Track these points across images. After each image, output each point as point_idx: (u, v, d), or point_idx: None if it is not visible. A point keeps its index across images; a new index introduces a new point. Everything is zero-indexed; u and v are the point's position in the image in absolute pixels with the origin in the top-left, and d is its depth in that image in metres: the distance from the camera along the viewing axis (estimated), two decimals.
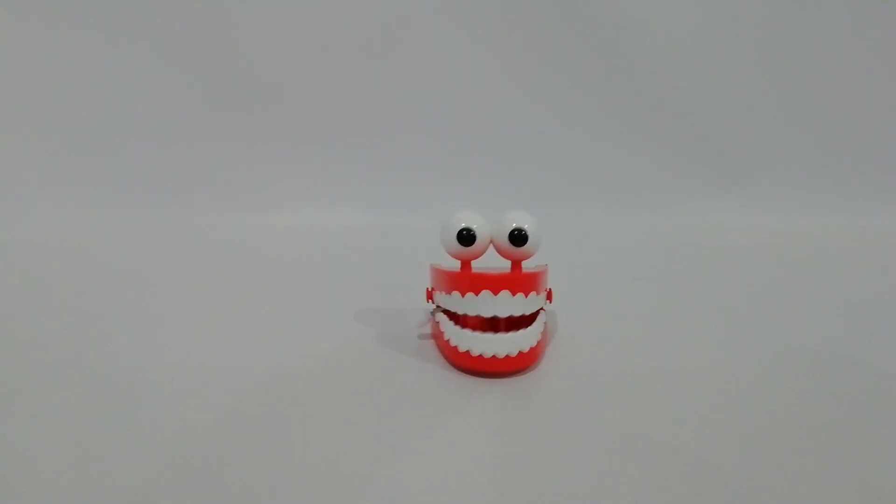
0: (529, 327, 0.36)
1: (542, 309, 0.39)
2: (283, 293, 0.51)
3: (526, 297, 0.35)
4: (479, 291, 0.35)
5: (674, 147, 0.91)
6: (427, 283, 0.42)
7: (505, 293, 0.35)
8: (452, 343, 0.36)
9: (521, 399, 0.33)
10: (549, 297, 0.41)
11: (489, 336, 0.35)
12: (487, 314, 0.35)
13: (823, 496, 0.24)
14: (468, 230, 0.37)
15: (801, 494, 0.24)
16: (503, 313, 0.35)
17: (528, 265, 0.40)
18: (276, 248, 0.69)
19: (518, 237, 0.36)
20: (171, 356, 0.38)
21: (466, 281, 0.35)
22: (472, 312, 0.36)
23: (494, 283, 0.35)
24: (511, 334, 0.35)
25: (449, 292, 0.36)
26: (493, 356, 0.35)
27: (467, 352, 0.36)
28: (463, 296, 0.35)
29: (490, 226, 0.38)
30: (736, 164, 0.91)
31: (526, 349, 0.35)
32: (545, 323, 0.39)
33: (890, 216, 0.85)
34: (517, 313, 0.35)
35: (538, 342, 0.37)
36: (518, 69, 0.89)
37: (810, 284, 0.57)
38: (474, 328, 0.36)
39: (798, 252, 0.69)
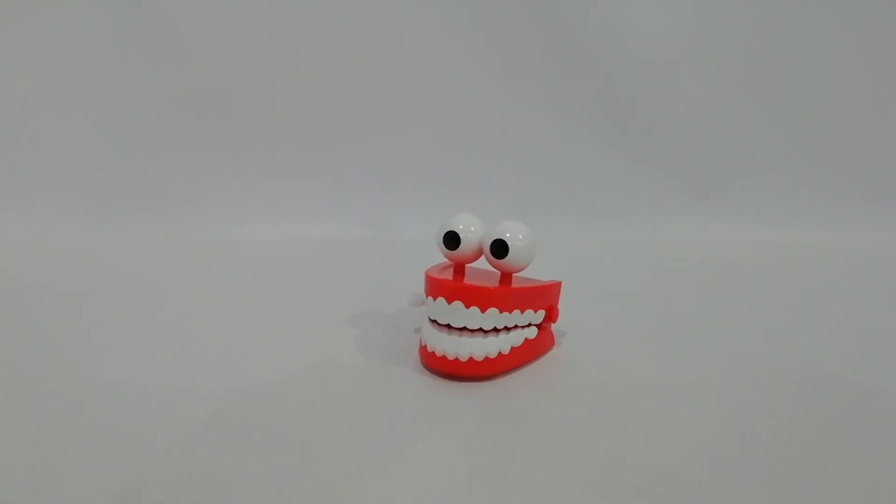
0: (487, 336, 0.34)
1: (530, 325, 0.37)
2: (259, 307, 0.49)
3: (483, 311, 0.33)
4: (437, 297, 0.34)
5: (646, 158, 0.87)
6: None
7: (457, 304, 0.34)
8: (421, 338, 0.37)
9: (494, 412, 0.33)
10: (550, 315, 0.38)
11: (443, 335, 0.35)
12: (441, 321, 0.35)
13: None
14: (453, 233, 0.36)
15: None
16: (456, 323, 0.34)
17: (520, 277, 0.38)
18: (254, 261, 0.65)
19: (498, 248, 0.35)
20: (146, 371, 0.36)
21: (430, 285, 0.35)
22: (431, 316, 0.35)
23: (450, 292, 0.34)
24: (462, 338, 0.34)
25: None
26: (443, 356, 0.35)
27: (424, 347, 0.36)
28: (434, 300, 0.35)
29: (483, 232, 0.36)
30: (709, 176, 0.88)
31: (479, 356, 0.34)
32: (528, 339, 0.37)
33: (868, 229, 0.83)
34: (471, 326, 0.34)
35: (500, 354, 0.35)
36: (492, 81, 0.85)
37: (788, 298, 0.56)
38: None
39: (775, 265, 0.69)
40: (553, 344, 0.41)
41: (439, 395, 0.34)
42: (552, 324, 0.40)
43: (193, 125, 0.79)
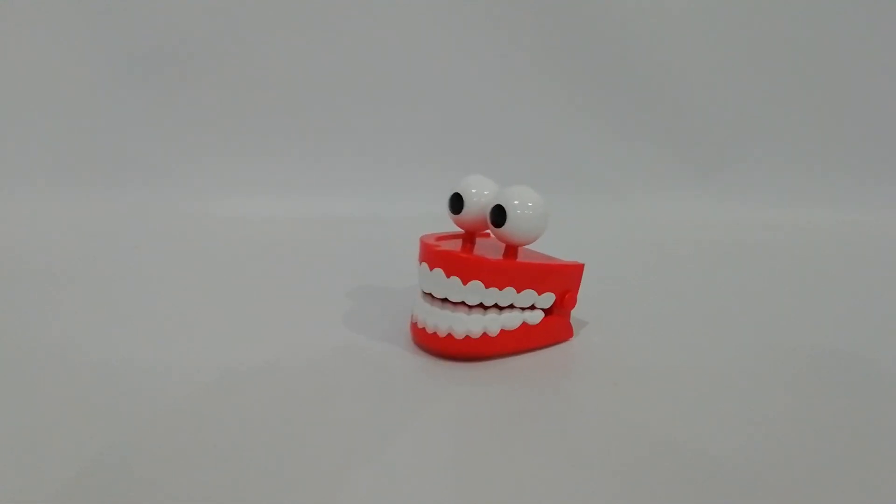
0: (472, 312, 0.31)
1: (535, 308, 0.33)
2: (245, 285, 0.45)
3: (464, 283, 0.30)
4: (421, 263, 0.31)
5: (648, 135, 0.80)
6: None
7: (438, 272, 0.30)
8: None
9: (482, 395, 0.30)
10: (563, 301, 0.33)
11: (426, 305, 0.32)
12: (424, 289, 0.32)
13: (824, 492, 0.24)
14: (458, 195, 0.33)
15: (801, 491, 0.24)
16: (437, 293, 0.31)
17: (534, 254, 0.34)
18: (238, 238, 0.59)
19: (497, 214, 0.31)
20: (127, 351, 0.33)
21: (422, 250, 0.32)
22: (419, 285, 0.32)
23: (433, 258, 0.31)
24: (445, 310, 0.31)
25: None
26: (423, 328, 0.32)
27: (414, 323, 0.33)
28: (419, 265, 0.32)
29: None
30: (714, 153, 0.82)
31: (460, 333, 0.31)
32: (527, 324, 0.32)
33: (875, 208, 0.79)
34: (452, 298, 0.30)
35: (485, 335, 0.31)
36: (486, 52, 0.76)
37: (796, 277, 0.55)
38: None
39: (782, 244, 0.67)
40: (570, 335, 0.35)
41: (422, 373, 0.31)
42: (569, 311, 0.35)
43: (159, 92, 0.70)
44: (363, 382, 0.30)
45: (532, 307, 0.33)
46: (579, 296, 0.35)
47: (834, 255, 0.64)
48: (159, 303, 0.41)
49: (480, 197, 0.33)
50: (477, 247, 0.34)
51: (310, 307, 0.40)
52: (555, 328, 0.34)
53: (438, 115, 0.76)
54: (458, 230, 0.36)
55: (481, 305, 0.31)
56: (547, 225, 0.32)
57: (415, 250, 0.34)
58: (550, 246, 0.36)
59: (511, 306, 0.32)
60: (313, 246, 0.57)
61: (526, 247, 0.33)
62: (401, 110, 0.75)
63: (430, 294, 0.31)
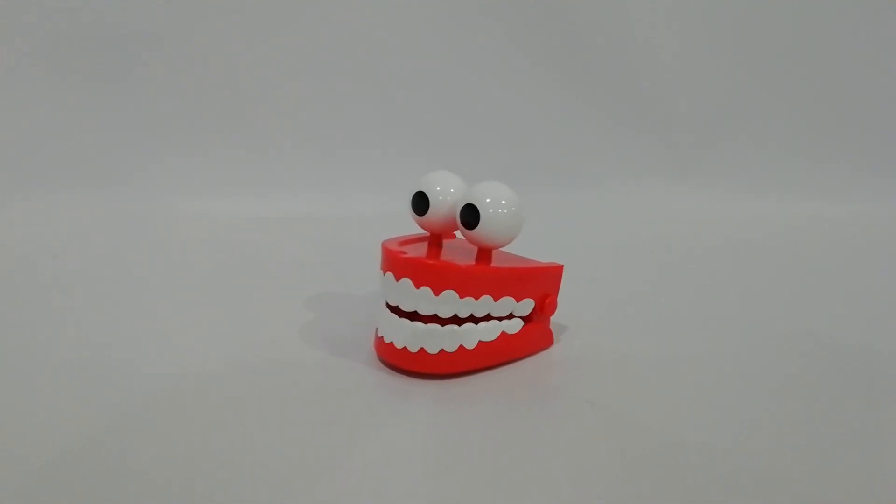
0: (446, 325, 0.27)
1: (513, 317, 0.29)
2: (193, 290, 0.42)
3: (436, 294, 0.26)
4: (386, 272, 0.28)
5: (624, 123, 0.76)
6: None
7: (406, 282, 0.27)
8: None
9: (472, 410, 0.27)
10: (542, 307, 0.30)
11: (393, 318, 0.28)
12: (391, 301, 0.28)
13: (821, 483, 0.23)
14: (422, 194, 0.29)
15: (797, 481, 0.23)
16: (406, 306, 0.27)
17: (510, 257, 0.31)
18: (187, 240, 0.54)
19: (468, 214, 0.27)
20: (74, 351, 0.31)
21: (385, 258, 0.28)
22: (382, 296, 0.29)
23: (399, 267, 0.27)
24: (415, 323, 0.28)
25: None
26: (391, 344, 0.29)
27: (380, 338, 0.30)
28: (383, 274, 0.28)
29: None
30: (693, 143, 0.77)
31: (433, 349, 0.28)
32: (506, 333, 0.29)
33: (858, 200, 0.75)
34: (423, 311, 0.27)
35: (462, 349, 0.28)
36: (450, 37, 0.71)
37: (779, 270, 0.53)
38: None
39: (764, 236, 0.64)
40: (550, 342, 0.32)
41: (387, 391, 0.28)
42: (549, 317, 0.32)
43: (100, 84, 0.63)
44: (325, 405, 0.26)
45: (510, 315, 0.30)
46: (557, 298, 0.32)
47: (819, 245, 0.62)
48: (104, 306, 0.37)
49: (447, 195, 0.30)
50: (445, 251, 0.31)
51: (261, 319, 0.36)
52: (535, 336, 0.31)
53: (399, 105, 0.71)
54: (423, 232, 0.32)
55: (455, 317, 0.28)
56: (522, 224, 0.29)
57: (375, 251, 0.30)
58: (521, 243, 0.33)
59: (488, 316, 0.29)
60: (267, 248, 0.52)
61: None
62: (361, 100, 0.70)
63: (397, 307, 0.28)
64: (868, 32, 0.78)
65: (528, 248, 0.33)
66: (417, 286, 0.27)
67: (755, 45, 0.78)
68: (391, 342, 0.28)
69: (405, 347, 0.28)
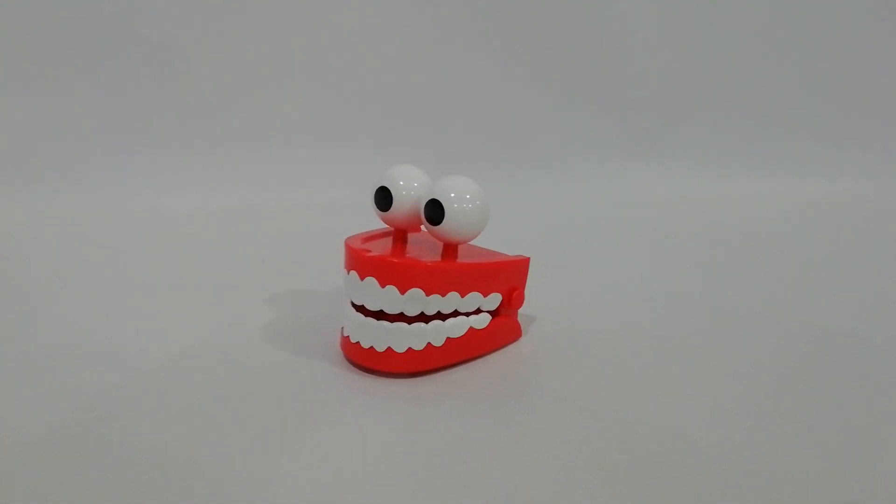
0: (413, 323, 0.27)
1: (480, 312, 0.29)
2: (164, 283, 0.41)
3: (402, 293, 0.26)
4: (350, 271, 0.27)
5: (585, 103, 0.75)
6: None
7: (370, 281, 0.26)
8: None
9: (442, 407, 0.27)
10: (510, 300, 0.30)
11: (358, 318, 0.28)
12: (356, 300, 0.27)
13: (808, 468, 0.23)
14: (385, 189, 0.29)
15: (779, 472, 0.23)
16: (371, 305, 0.27)
17: (478, 250, 0.30)
18: (144, 234, 0.52)
19: (432, 210, 0.27)
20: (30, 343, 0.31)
21: (349, 256, 0.28)
22: (347, 295, 0.28)
23: (363, 265, 0.26)
24: (381, 322, 0.27)
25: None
26: (357, 343, 0.28)
27: (346, 337, 0.29)
28: (347, 273, 0.28)
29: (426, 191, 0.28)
30: (657, 122, 0.77)
31: (400, 348, 0.27)
32: (474, 329, 0.29)
33: (825, 177, 0.76)
34: (389, 310, 0.26)
35: (430, 346, 0.28)
36: (417, 21, 0.70)
37: (750, 251, 0.53)
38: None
39: (732, 217, 0.64)
40: (519, 334, 0.32)
41: (355, 391, 0.27)
42: (517, 309, 0.32)
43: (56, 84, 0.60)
44: (292, 407, 0.26)
45: (478, 310, 0.29)
46: (533, 285, 0.32)
47: (788, 224, 0.63)
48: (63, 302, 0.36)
49: (410, 190, 0.29)
50: (410, 246, 0.30)
51: (222, 316, 0.35)
52: (503, 330, 0.31)
53: (358, 94, 0.68)
54: (385, 227, 0.32)
55: (422, 315, 0.27)
56: (488, 218, 0.28)
57: (336, 244, 0.29)
58: (485, 230, 0.32)
59: (455, 312, 0.28)
60: (227, 242, 0.50)
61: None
62: (322, 90, 0.67)
63: (363, 306, 0.27)
64: (833, 12, 0.79)
65: (490, 234, 0.33)
66: (383, 285, 0.26)
67: (721, 26, 0.78)
68: (357, 342, 0.28)
69: (372, 347, 0.28)
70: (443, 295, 0.27)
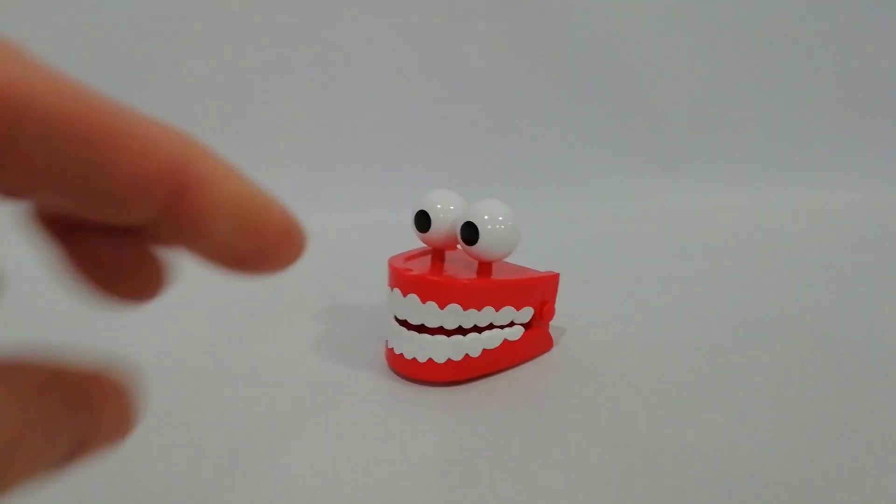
0: (452, 336, 0.29)
1: (514, 325, 0.31)
2: (214, 299, 0.41)
3: (441, 307, 0.28)
4: (393, 288, 0.30)
5: (605, 118, 0.77)
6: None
7: (413, 298, 0.29)
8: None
9: (457, 420, 0.29)
10: (541, 313, 0.32)
11: (402, 332, 0.30)
12: (399, 315, 0.30)
13: (814, 472, 0.25)
14: (424, 213, 0.31)
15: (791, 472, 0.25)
16: (413, 320, 0.29)
17: (510, 267, 0.32)
18: None
19: (468, 232, 0.29)
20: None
21: (392, 275, 0.30)
22: (390, 310, 0.31)
23: (406, 283, 0.29)
24: (423, 335, 0.30)
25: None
26: (401, 355, 0.30)
27: (391, 349, 0.32)
28: (391, 291, 0.30)
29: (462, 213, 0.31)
30: (674, 137, 0.79)
31: (440, 359, 0.30)
32: (508, 341, 0.31)
33: (843, 188, 0.76)
34: (430, 324, 0.29)
35: (467, 357, 0.30)
36: (433, 32, 0.72)
37: (770, 260, 0.54)
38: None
39: (751, 226, 0.66)
40: (550, 345, 0.34)
41: (398, 399, 0.30)
42: (548, 322, 0.34)
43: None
44: (343, 414, 0.28)
45: (511, 323, 0.32)
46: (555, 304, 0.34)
47: (810, 233, 0.63)
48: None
49: (447, 213, 0.32)
50: (448, 264, 0.33)
51: (274, 331, 0.37)
52: (535, 341, 0.33)
53: (389, 115, 0.72)
54: (424, 246, 0.34)
55: (460, 328, 0.30)
56: (520, 237, 0.31)
57: (379, 262, 0.32)
58: (529, 246, 0.34)
59: (490, 325, 0.31)
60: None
61: None
62: (353, 112, 0.71)
63: (406, 321, 0.30)
64: (861, 21, 0.80)
65: (521, 250, 0.35)
66: (424, 301, 0.29)
67: (746, 40, 0.79)
68: (401, 353, 0.30)
69: (414, 358, 0.30)
70: (479, 309, 0.29)
